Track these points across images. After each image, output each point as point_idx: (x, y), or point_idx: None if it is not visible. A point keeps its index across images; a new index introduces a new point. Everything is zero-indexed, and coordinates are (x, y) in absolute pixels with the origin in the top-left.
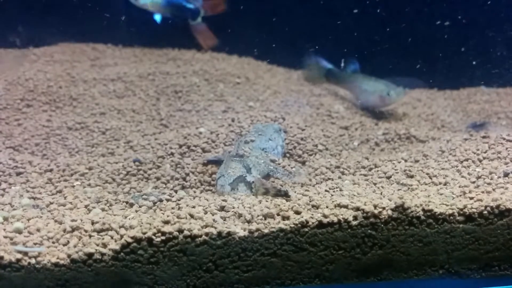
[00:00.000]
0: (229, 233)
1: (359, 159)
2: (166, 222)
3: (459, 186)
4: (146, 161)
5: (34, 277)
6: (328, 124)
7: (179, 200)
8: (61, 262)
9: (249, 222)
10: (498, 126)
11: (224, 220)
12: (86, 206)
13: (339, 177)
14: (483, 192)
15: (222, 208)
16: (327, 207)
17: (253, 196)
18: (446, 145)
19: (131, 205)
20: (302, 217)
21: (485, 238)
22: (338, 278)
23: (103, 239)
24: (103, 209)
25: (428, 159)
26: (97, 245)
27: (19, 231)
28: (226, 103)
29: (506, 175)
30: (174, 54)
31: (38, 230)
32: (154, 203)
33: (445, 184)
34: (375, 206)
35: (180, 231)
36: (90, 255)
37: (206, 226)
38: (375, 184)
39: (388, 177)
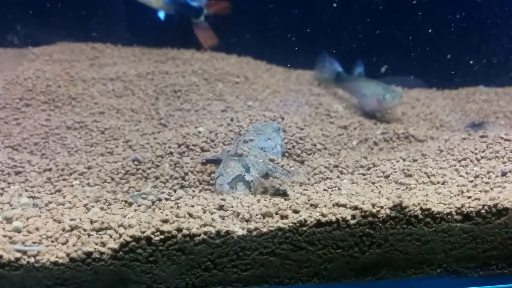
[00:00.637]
0: (227, 232)
1: (357, 159)
2: (165, 221)
3: (457, 185)
4: (145, 160)
5: (33, 276)
6: (327, 123)
7: (178, 199)
8: (60, 261)
9: (247, 221)
10: (497, 126)
11: (223, 219)
12: (85, 205)
13: (338, 176)
14: (481, 191)
15: (221, 207)
16: (325, 206)
17: (251, 195)
18: (445, 144)
19: (130, 204)
20: (300, 216)
21: (483, 237)
22: (337, 277)
23: (102, 238)
24: (102, 208)
25: (426, 159)
26: (96, 244)
27: (18, 230)
28: (225, 102)
29: (503, 174)
30: (173, 53)
31: (37, 229)
32: (153, 202)
33: (443, 183)
34: (373, 205)
35: (179, 230)
36: (89, 254)
37: (204, 225)
38: (373, 183)
39: (387, 176)
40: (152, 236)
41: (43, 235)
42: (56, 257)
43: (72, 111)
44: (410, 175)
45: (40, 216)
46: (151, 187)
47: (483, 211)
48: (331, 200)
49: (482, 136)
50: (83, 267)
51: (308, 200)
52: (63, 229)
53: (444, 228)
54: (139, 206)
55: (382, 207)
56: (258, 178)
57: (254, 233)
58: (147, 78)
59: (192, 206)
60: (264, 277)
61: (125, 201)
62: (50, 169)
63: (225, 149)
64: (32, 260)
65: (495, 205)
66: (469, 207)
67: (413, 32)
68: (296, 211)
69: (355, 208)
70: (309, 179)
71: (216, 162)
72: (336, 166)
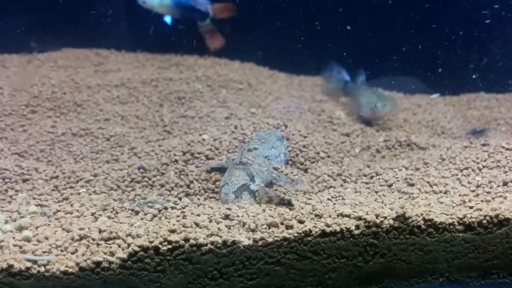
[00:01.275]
0: (234, 242)
1: (360, 167)
2: (173, 231)
3: (459, 195)
4: (151, 168)
5: (44, 285)
6: (329, 130)
7: (183, 208)
8: (70, 270)
9: (253, 231)
10: (498, 133)
11: (229, 228)
12: (92, 214)
13: (341, 185)
14: (482, 201)
15: (226, 217)
16: (329, 216)
17: (256, 204)
18: (446, 152)
19: (137, 212)
20: (305, 226)
21: (484, 247)
22: (341, 285)
23: (110, 247)
24: (109, 217)
25: (428, 167)
26: (105, 253)
27: (28, 240)
28: (228, 109)
29: (505, 184)
30: (177, 59)
31: (47, 238)
32: (159, 210)
33: (445, 193)
34: (377, 216)
35: (186, 240)
36: (98, 263)
37: (211, 235)
38: (376, 192)
39: (390, 185)
40: (160, 246)
41: (53, 244)
42: (66, 266)
43: (78, 118)
44: (413, 184)
45: (49, 225)
46: (157, 195)
47: (484, 221)
48: (335, 210)
49: (483, 145)
50: (92, 276)
51: (313, 210)
52: (72, 238)
53: (446, 238)
54: (145, 214)
55: (385, 218)
56: (263, 188)
57: (260, 243)
58: (151, 85)
59: (198, 215)
60: (270, 286)
61: (132, 210)
62: (57, 177)
63: (229, 157)
64: (42, 269)
65: (497, 216)
66: (471, 217)
67: (415, 38)
68: (301, 221)
69: (359, 218)
70: (312, 188)
71: (221, 170)
72: (340, 175)
